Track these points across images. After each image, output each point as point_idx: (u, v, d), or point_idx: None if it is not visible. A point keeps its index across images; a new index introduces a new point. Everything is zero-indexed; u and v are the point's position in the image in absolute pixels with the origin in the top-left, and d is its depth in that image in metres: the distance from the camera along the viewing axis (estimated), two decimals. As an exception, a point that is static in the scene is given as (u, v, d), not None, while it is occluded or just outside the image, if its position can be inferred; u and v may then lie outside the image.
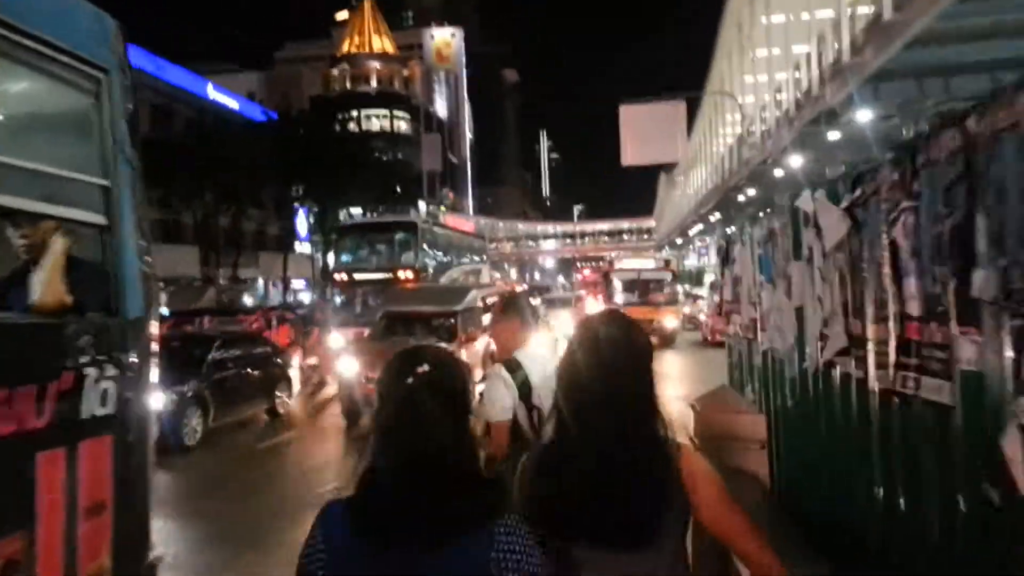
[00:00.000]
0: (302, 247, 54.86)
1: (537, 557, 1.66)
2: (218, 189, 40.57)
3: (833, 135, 24.24)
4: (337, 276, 24.28)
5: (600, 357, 1.94)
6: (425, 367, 1.71)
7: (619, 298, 25.94)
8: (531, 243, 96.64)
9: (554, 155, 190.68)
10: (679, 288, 30.37)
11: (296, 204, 50.41)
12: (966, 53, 15.51)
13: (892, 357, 3.31)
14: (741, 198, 46.69)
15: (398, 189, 61.05)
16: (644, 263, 30.08)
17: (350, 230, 27.28)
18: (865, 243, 3.63)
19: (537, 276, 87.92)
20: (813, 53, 23.59)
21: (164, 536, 6.99)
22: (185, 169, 37.18)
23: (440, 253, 27.09)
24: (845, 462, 4.12)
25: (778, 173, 35.69)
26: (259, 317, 19.65)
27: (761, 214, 6.10)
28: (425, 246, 24.83)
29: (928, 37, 14.34)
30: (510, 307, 3.70)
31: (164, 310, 27.05)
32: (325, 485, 8.90)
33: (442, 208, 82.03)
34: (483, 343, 14.83)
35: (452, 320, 13.59)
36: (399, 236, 24.85)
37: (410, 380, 1.69)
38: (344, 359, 12.87)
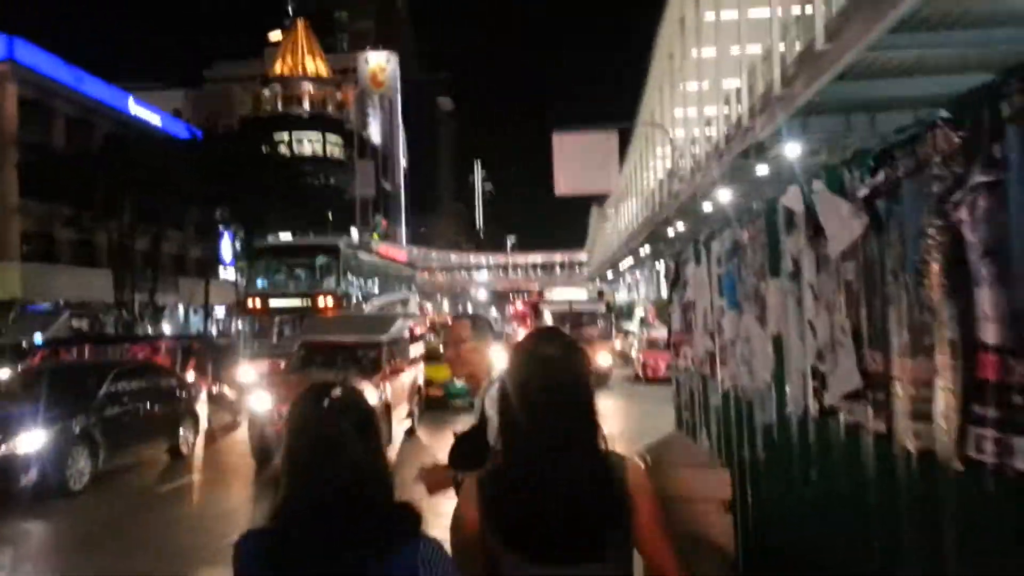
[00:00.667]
0: (226, 273, 52.91)
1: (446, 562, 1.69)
2: (136, 208, 38.74)
3: (761, 169, 24.47)
4: (250, 302, 22.38)
5: (541, 372, 1.98)
6: (338, 391, 1.74)
7: None
8: (464, 274, 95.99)
9: (488, 185, 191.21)
10: (613, 322, 28.58)
11: (221, 227, 48.65)
12: (892, 88, 15.75)
13: (949, 406, 2.16)
14: (671, 232, 47.31)
15: (329, 215, 59.76)
16: (576, 293, 28.76)
17: (266, 252, 25.22)
18: (893, 244, 2.53)
19: (470, 308, 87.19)
20: (744, 86, 23.80)
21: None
22: (101, 186, 35.44)
23: (364, 280, 25.85)
24: (849, 542, 3.00)
25: (707, 207, 36.13)
26: (150, 347, 18.44)
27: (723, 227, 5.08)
28: (348, 272, 23.48)
29: (857, 70, 14.50)
30: (479, 325, 3.44)
31: (37, 338, 25.32)
32: (229, 535, 8.01)
33: (375, 236, 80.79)
34: (410, 376, 14.12)
35: (377, 351, 12.85)
36: (320, 261, 23.29)
37: (325, 403, 1.71)
38: (256, 393, 11.96)
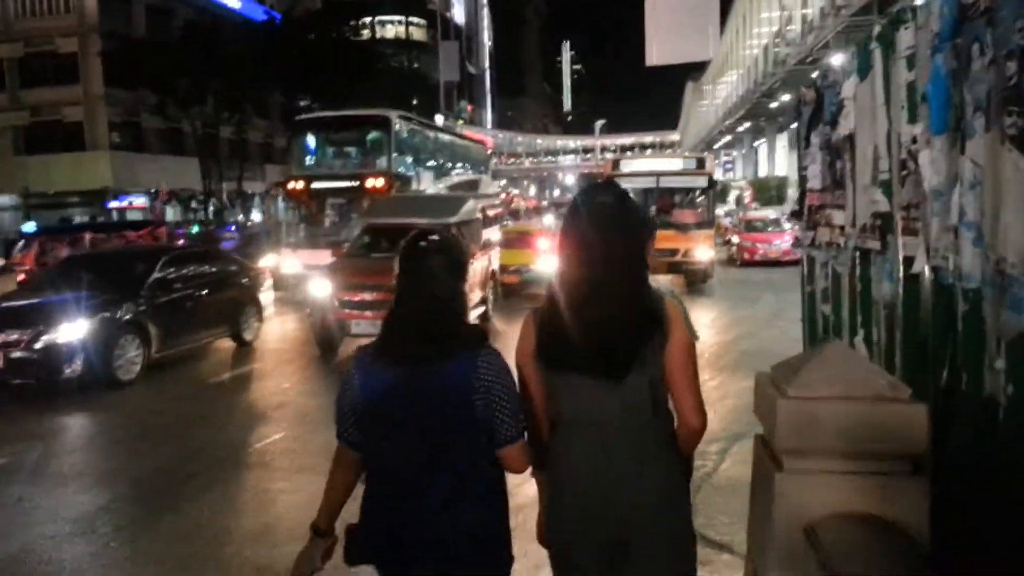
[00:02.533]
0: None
1: (511, 377, 2.22)
2: (220, 96, 38.19)
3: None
4: (292, 184, 18.86)
5: (598, 219, 2.21)
6: (434, 236, 2.29)
7: None
8: (551, 159, 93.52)
9: (577, 67, 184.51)
10: (715, 202, 20.22)
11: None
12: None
13: None
14: (774, 104, 43.87)
15: (414, 100, 58.31)
16: (665, 163, 19.78)
17: (308, 126, 20.91)
18: None
19: (556, 192, 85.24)
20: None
21: (59, 499, 5.58)
22: (183, 73, 34.85)
23: (425, 158, 22.23)
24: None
25: (815, 74, 32.80)
26: (149, 233, 17.82)
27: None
28: (404, 150, 20.22)
29: None
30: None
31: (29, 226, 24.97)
32: (270, 436, 7.22)
33: (459, 121, 79.05)
34: (483, 261, 12.97)
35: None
36: (369, 135, 19.87)
37: (423, 244, 2.26)
38: (316, 280, 11.05)
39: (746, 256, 22.67)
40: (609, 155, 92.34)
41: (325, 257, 13.98)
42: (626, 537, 2.17)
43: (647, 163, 19.86)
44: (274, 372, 10.34)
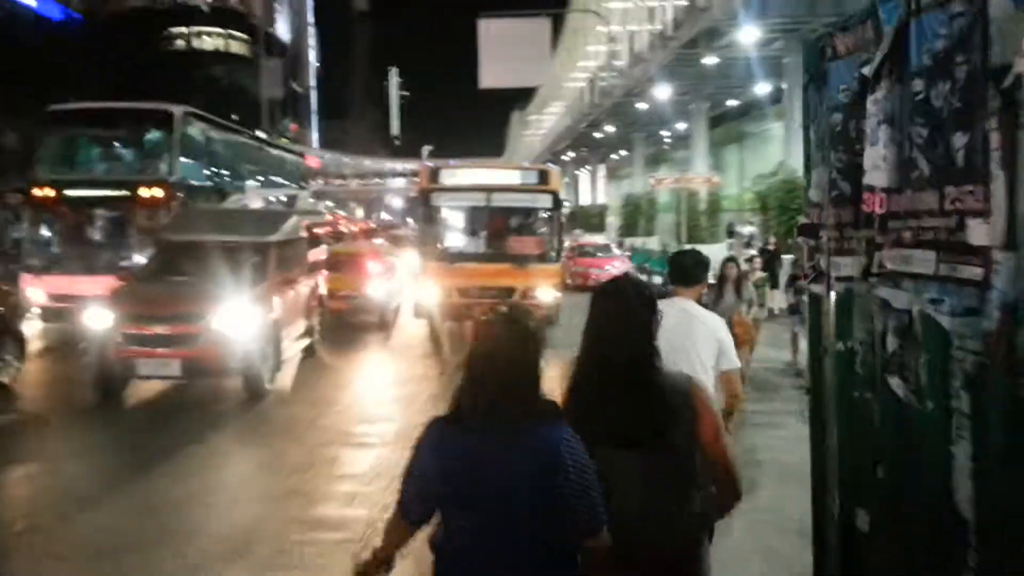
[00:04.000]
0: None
1: (585, 450, 2.19)
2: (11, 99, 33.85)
3: (710, 60, 22.28)
4: (37, 191, 14.66)
5: (613, 321, 2.53)
6: (504, 308, 2.35)
7: (449, 251, 13.91)
8: (379, 181, 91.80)
9: (405, 93, 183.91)
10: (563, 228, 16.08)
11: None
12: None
13: None
14: (598, 135, 45.13)
15: (234, 116, 54.92)
16: (499, 176, 14.64)
17: (64, 118, 15.88)
18: None
19: (384, 216, 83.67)
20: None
21: None
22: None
23: (223, 166, 17.96)
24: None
25: (641, 107, 34.02)
26: None
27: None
28: (191, 153, 15.97)
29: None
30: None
31: None
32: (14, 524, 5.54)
33: (283, 139, 75.75)
34: (308, 287, 11.55)
35: (263, 254, 10.16)
36: (146, 134, 15.65)
37: (494, 317, 2.28)
38: (94, 310, 9.18)
39: (579, 281, 22.62)
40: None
41: (85, 284, 11.78)
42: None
43: (475, 175, 14.30)
44: (31, 431, 8.26)
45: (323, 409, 8.76)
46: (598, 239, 28.66)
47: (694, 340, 3.53)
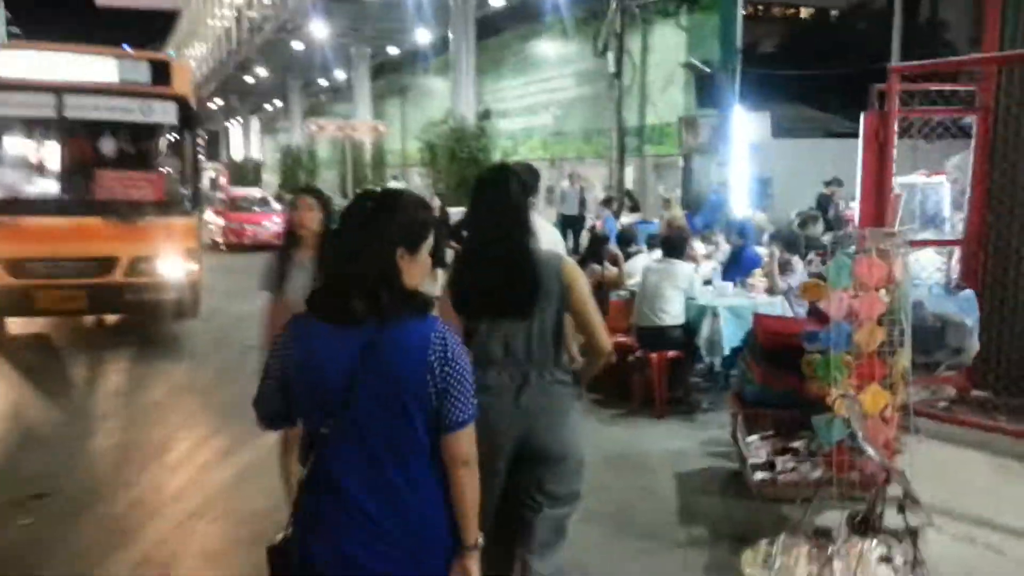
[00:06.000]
0: None
1: (464, 350, 2.04)
2: None
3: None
4: None
5: (492, 208, 2.78)
6: (389, 193, 2.15)
7: None
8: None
9: (14, 29, 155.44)
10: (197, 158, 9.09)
11: None
12: None
13: None
14: (250, 79, 41.01)
15: None
16: (78, 67, 8.26)
17: None
18: None
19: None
20: None
21: None
22: None
23: None
24: None
25: (297, 47, 31.12)
26: None
27: None
28: None
29: None
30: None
31: None
32: None
33: None
34: None
35: None
36: None
37: (370, 202, 2.06)
38: None
39: (233, 239, 19.76)
40: None
41: None
42: (534, 443, 2.72)
43: (32, 62, 8.18)
44: None
45: None
46: (255, 191, 25.64)
47: None
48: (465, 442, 1.99)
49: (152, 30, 55.19)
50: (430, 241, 2.03)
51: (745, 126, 9.33)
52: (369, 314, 1.92)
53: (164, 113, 8.23)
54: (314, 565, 1.95)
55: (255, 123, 58.95)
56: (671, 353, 6.16)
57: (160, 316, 8.45)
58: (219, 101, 52.94)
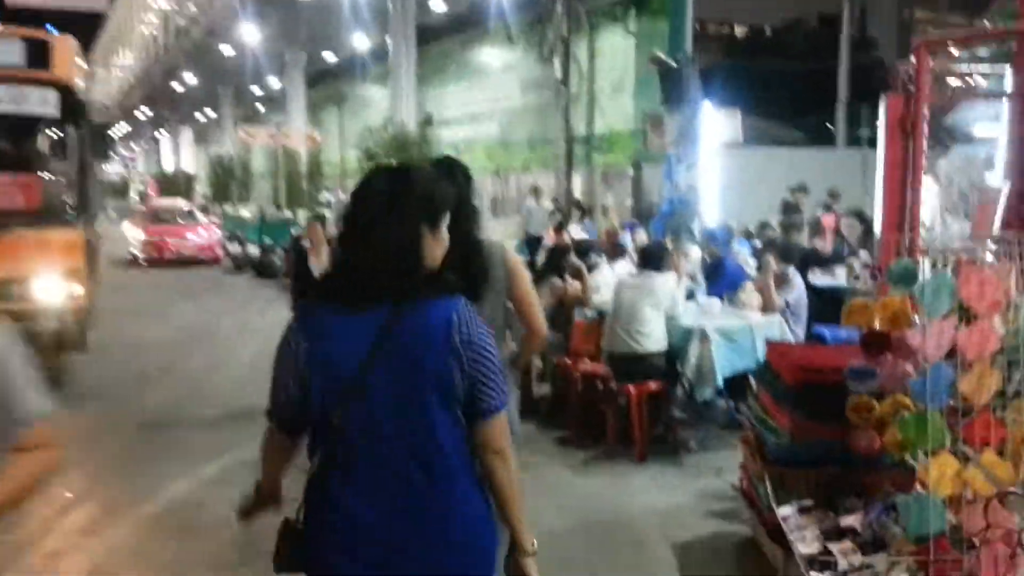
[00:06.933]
0: None
1: (490, 335, 1.90)
2: None
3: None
4: None
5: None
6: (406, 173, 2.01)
7: None
8: None
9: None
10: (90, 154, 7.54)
11: None
12: None
13: None
14: (179, 87, 39.12)
15: None
16: None
17: None
18: None
19: None
20: None
21: None
22: None
23: None
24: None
25: (227, 51, 29.55)
26: None
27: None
28: None
29: None
30: None
31: None
32: None
33: None
34: None
35: None
36: None
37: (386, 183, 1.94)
38: None
39: (153, 254, 18.27)
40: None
41: None
42: None
43: None
44: None
45: None
46: (179, 203, 24.03)
47: None
48: (498, 429, 1.87)
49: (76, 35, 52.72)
50: (447, 217, 1.93)
51: (714, 125, 8.50)
52: (392, 295, 1.81)
53: (41, 102, 6.55)
54: (325, 556, 1.83)
55: (187, 134, 56.76)
56: (652, 384, 5.16)
57: (33, 352, 6.96)
58: (147, 111, 50.68)
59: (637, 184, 17.36)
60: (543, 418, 6.02)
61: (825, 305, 5.98)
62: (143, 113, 50.38)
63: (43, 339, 6.45)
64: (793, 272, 5.73)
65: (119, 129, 61.40)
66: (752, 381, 3.99)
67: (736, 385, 5.33)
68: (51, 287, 6.52)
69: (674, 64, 8.25)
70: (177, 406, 6.80)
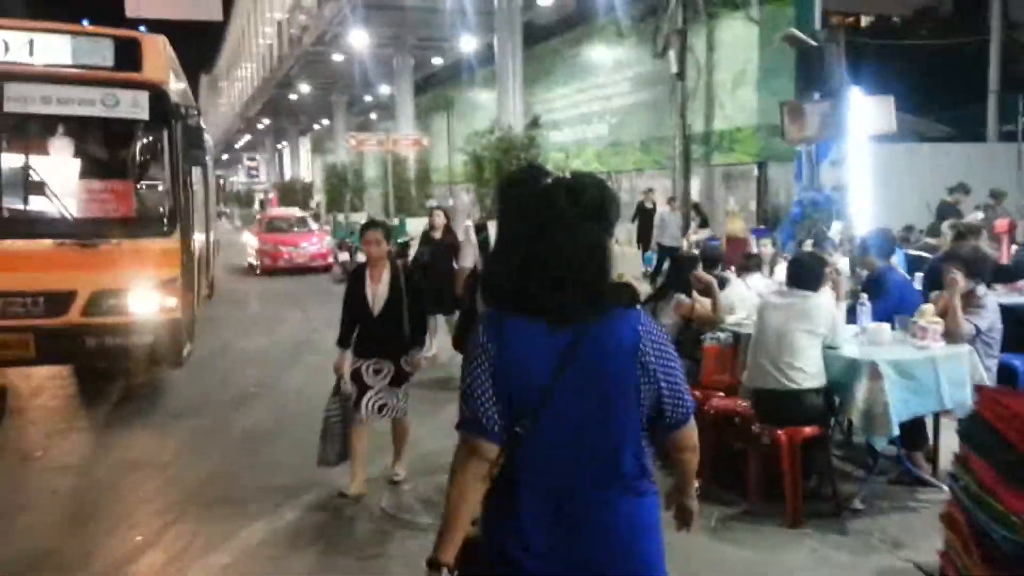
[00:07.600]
0: None
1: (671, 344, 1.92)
2: None
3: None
4: None
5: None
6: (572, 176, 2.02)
7: None
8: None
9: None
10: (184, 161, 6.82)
11: None
12: None
13: None
14: (293, 97, 40.09)
15: None
16: (21, 43, 6.21)
17: None
18: None
19: None
20: None
21: None
22: None
23: None
24: None
25: (337, 59, 29.92)
26: None
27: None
28: None
29: None
30: None
31: None
32: None
33: None
34: None
35: None
36: None
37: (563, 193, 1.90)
38: None
39: (268, 262, 18.46)
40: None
41: None
42: None
43: None
44: None
45: None
46: (293, 211, 24.38)
47: None
48: (692, 435, 1.93)
49: (200, 46, 55.00)
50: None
51: (864, 114, 7.41)
52: (585, 310, 1.80)
53: (133, 105, 6.17)
54: (509, 564, 1.83)
55: (305, 143, 58.52)
56: (808, 430, 4.26)
57: (129, 367, 6.74)
58: (267, 121, 52.45)
59: (762, 185, 16.17)
60: (663, 458, 5.22)
61: (1011, 328, 4.92)
62: (262, 123, 52.12)
63: (135, 354, 6.21)
64: (984, 291, 4.68)
65: (240, 139, 63.99)
66: (958, 441, 3.06)
67: (909, 428, 4.39)
68: (144, 300, 6.23)
69: (813, 43, 7.20)
70: (275, 422, 6.43)
